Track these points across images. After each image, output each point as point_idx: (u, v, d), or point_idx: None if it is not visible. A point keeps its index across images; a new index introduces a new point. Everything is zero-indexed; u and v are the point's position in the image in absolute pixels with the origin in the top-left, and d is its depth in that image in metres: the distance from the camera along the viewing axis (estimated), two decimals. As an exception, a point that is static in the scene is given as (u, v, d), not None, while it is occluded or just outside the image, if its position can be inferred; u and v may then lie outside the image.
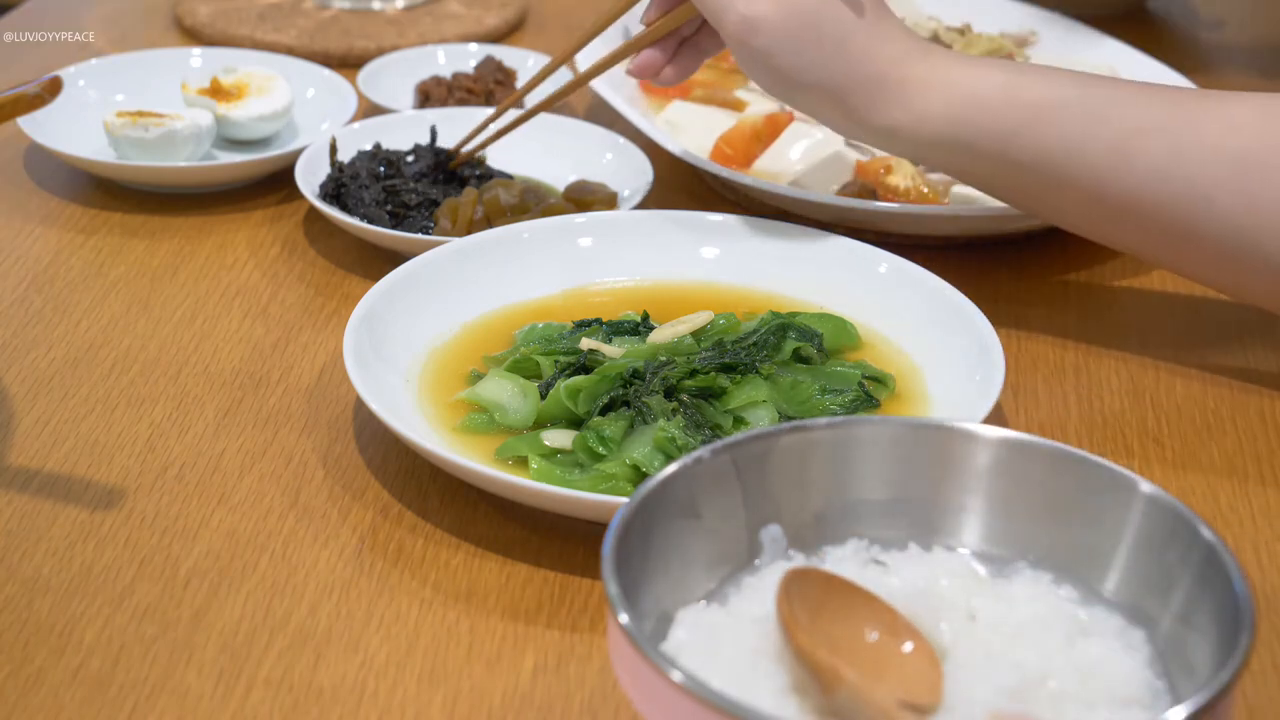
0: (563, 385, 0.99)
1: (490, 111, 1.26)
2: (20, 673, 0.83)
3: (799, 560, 0.76)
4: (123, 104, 1.36)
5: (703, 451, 0.75)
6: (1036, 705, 0.68)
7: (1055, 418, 1.05)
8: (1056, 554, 0.76)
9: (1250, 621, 0.66)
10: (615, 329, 1.06)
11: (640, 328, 1.06)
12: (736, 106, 1.36)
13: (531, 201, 1.20)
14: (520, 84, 1.44)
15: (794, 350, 1.03)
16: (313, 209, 1.26)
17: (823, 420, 0.78)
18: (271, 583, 0.89)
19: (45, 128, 1.30)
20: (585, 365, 1.01)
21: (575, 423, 0.98)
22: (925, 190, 1.24)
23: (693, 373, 1.00)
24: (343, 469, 0.99)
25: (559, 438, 0.97)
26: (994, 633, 0.71)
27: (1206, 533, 0.71)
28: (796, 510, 0.77)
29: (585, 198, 1.22)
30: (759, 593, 0.74)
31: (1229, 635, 0.66)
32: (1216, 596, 0.69)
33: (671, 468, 0.74)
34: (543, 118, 1.34)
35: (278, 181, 1.30)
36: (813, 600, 0.70)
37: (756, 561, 0.76)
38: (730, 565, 0.76)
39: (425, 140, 1.29)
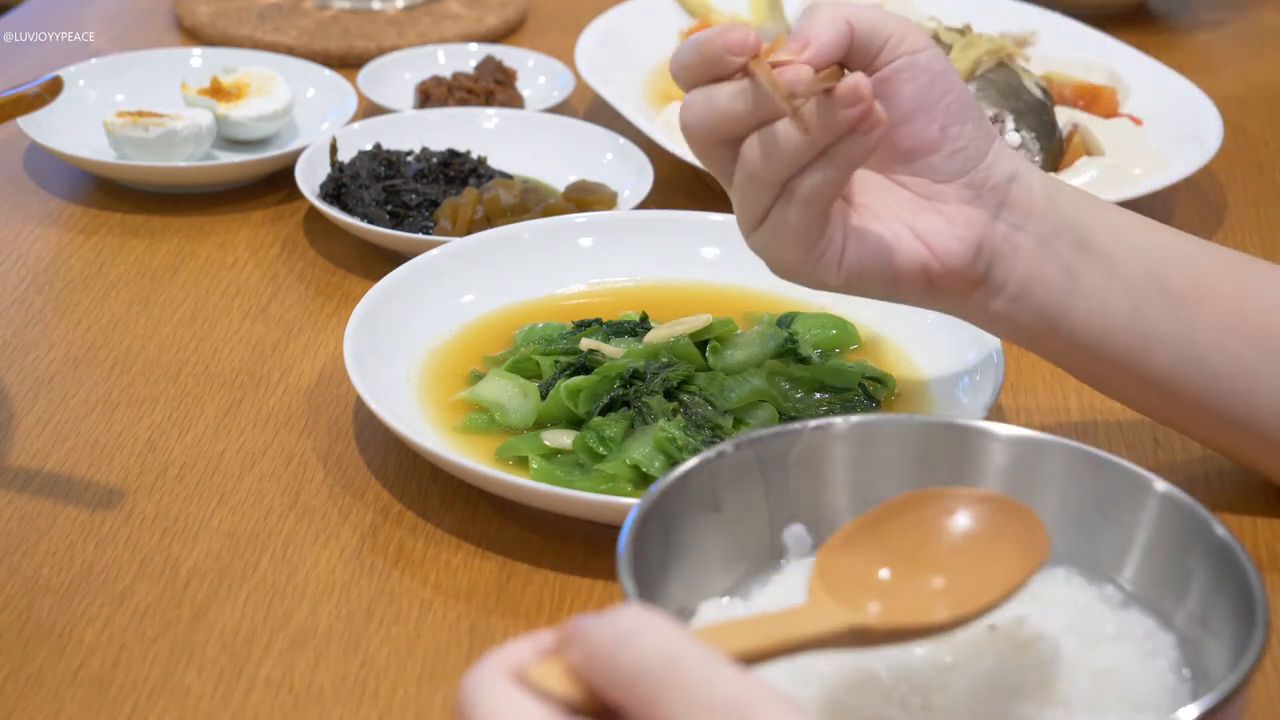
0: (563, 385, 0.99)
1: (489, 111, 1.25)
2: (20, 673, 0.83)
3: None
4: (123, 104, 1.36)
5: (725, 445, 0.75)
6: (1054, 704, 0.68)
7: (1055, 418, 1.05)
8: (1074, 553, 0.76)
9: (1265, 620, 0.65)
10: (615, 329, 1.06)
11: (639, 328, 1.06)
12: (736, 106, 1.36)
13: (531, 201, 1.20)
14: (520, 84, 1.44)
15: (794, 350, 1.03)
16: (313, 209, 1.26)
17: (846, 418, 0.78)
18: (272, 583, 0.89)
19: (45, 128, 1.30)
20: (585, 365, 1.01)
21: (575, 423, 0.98)
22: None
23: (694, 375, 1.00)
24: (343, 469, 0.99)
25: (559, 438, 0.97)
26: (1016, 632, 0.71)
27: (1220, 531, 0.71)
28: (820, 507, 0.77)
29: (585, 198, 1.22)
30: (782, 589, 0.74)
31: (1243, 634, 0.66)
32: (1231, 596, 0.69)
33: (692, 461, 0.74)
34: (543, 118, 1.35)
35: (278, 181, 1.30)
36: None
37: (781, 561, 0.77)
38: (750, 561, 0.76)
39: (425, 141, 1.29)
